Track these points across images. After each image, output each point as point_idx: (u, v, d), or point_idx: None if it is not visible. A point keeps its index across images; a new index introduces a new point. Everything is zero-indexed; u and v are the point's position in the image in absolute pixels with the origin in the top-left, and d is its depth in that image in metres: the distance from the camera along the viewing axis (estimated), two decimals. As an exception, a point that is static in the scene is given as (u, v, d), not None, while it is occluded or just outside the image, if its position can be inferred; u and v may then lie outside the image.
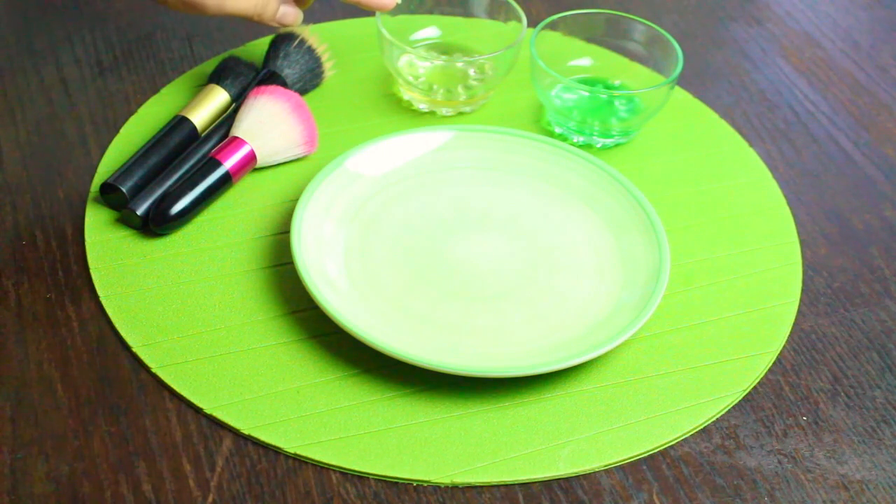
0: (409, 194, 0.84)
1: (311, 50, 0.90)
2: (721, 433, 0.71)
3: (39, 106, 0.90)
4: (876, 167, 0.93)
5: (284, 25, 0.87)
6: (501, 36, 0.92)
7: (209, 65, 0.94)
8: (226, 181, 0.81)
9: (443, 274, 0.78)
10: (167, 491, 0.65)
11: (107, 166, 0.84)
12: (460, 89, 0.91)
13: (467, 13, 0.96)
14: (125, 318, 0.74)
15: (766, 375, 0.75)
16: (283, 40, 0.90)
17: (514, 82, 0.94)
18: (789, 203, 0.88)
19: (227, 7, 0.82)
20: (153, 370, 0.71)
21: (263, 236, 0.80)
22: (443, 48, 0.95)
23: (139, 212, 0.79)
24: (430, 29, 0.96)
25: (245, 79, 0.89)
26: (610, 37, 0.95)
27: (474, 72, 0.92)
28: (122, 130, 0.88)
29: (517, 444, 0.69)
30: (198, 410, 0.70)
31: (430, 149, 0.86)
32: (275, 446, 0.68)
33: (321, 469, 0.68)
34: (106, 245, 0.79)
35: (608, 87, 0.94)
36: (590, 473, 0.69)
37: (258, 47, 0.95)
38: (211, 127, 0.85)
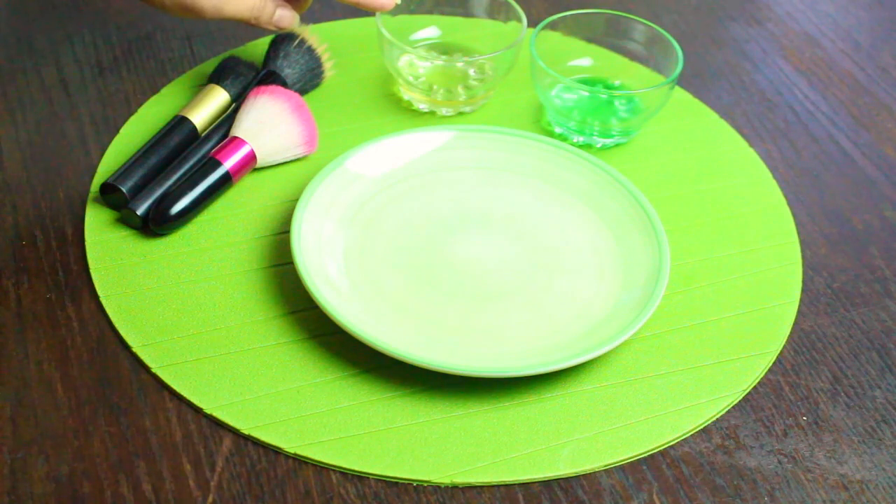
0: (409, 194, 0.84)
1: (311, 50, 0.90)
2: (721, 433, 0.71)
3: (39, 106, 0.90)
4: (876, 167, 0.93)
5: (281, 28, 0.87)
6: (501, 36, 0.92)
7: (209, 65, 0.94)
8: (226, 181, 0.81)
9: (443, 274, 0.78)
10: (167, 491, 0.65)
11: (107, 166, 0.84)
12: (460, 89, 0.91)
13: (467, 13, 0.96)
14: (125, 318, 0.74)
15: (766, 375, 0.75)
16: (284, 40, 0.90)
17: (514, 82, 0.94)
18: (789, 203, 0.88)
19: (225, 11, 0.83)
20: (153, 370, 0.71)
21: (263, 236, 0.80)
22: (443, 48, 0.95)
23: (139, 212, 0.79)
24: (430, 29, 0.96)
25: (245, 79, 0.89)
26: (610, 37, 0.95)
27: (474, 72, 0.92)
28: (122, 130, 0.88)
29: (517, 444, 0.69)
30: (198, 410, 0.70)
31: (430, 149, 0.86)
32: (275, 446, 0.68)
33: (321, 469, 0.68)
34: (106, 245, 0.79)
35: (608, 87, 0.94)
36: (590, 473, 0.69)
37: (258, 47, 0.95)
38: (211, 127, 0.85)
